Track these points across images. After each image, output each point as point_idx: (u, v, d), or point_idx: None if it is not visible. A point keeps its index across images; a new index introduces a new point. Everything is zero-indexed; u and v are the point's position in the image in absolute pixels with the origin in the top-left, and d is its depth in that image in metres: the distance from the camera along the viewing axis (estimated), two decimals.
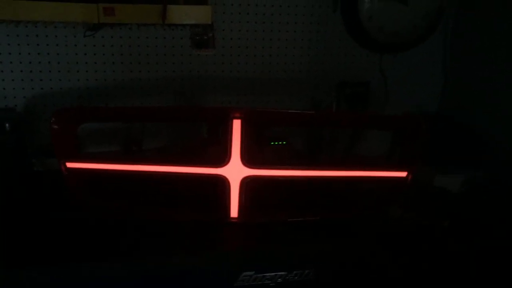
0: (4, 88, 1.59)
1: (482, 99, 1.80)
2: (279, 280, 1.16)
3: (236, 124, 1.22)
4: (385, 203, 1.38)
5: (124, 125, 1.70)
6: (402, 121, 1.39)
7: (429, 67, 1.97)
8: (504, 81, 1.70)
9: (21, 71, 1.59)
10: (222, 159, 1.22)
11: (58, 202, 1.33)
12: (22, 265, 1.05)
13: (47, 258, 1.08)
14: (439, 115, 1.98)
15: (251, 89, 1.82)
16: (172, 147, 1.78)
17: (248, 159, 1.22)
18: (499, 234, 1.32)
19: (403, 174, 1.32)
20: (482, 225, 1.35)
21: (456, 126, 1.85)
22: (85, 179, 1.31)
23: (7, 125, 1.48)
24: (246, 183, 1.23)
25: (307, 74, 1.86)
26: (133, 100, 1.72)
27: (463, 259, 1.26)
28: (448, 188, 1.56)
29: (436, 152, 1.60)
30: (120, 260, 1.10)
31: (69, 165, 1.27)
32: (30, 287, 1.05)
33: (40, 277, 1.05)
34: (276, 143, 1.57)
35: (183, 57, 1.72)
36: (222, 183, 1.23)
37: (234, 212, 1.26)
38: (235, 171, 1.23)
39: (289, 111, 1.51)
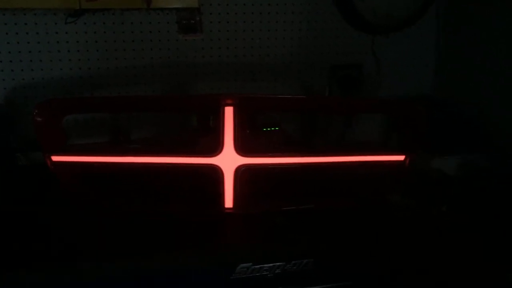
0: None
1: (476, 80, 1.78)
2: (277, 271, 1.13)
3: (228, 112, 1.18)
4: (384, 189, 1.35)
5: (111, 116, 1.65)
6: (400, 106, 1.36)
7: (422, 49, 1.94)
8: (497, 62, 1.67)
9: (1, 61, 1.53)
10: (215, 148, 1.18)
11: (45, 197, 1.29)
12: (7, 265, 1.00)
13: (33, 257, 1.04)
14: (433, 97, 1.96)
15: (241, 75, 1.77)
16: (161, 138, 1.74)
17: (241, 147, 1.19)
18: (497, 216, 1.31)
19: (401, 158, 1.29)
20: (480, 208, 1.34)
21: (450, 108, 1.83)
22: (73, 173, 1.27)
23: None
24: (241, 172, 1.20)
25: (299, 57, 1.81)
26: (120, 89, 1.66)
27: (462, 244, 1.24)
28: (444, 171, 1.54)
29: (431, 135, 1.58)
30: (114, 256, 1.06)
31: (55, 158, 1.22)
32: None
33: (26, 277, 1.01)
34: (269, 129, 1.53)
35: (170, 42, 1.66)
36: (215, 173, 1.20)
37: (229, 202, 1.22)
38: (228, 160, 1.19)
39: (282, 96, 1.48)
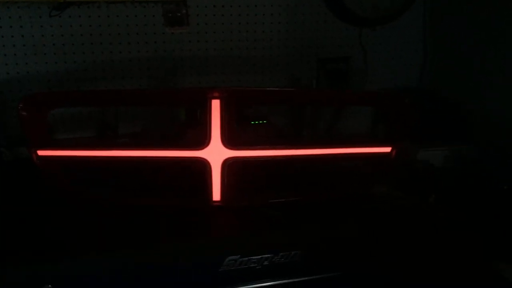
0: None
1: (462, 72, 1.79)
2: (265, 263, 1.14)
3: (215, 105, 1.17)
4: (371, 181, 1.36)
5: (98, 110, 1.64)
6: (385, 98, 1.36)
7: (408, 41, 1.95)
8: (484, 53, 1.69)
9: None
10: (202, 141, 1.18)
11: (31, 193, 1.28)
12: None
13: (22, 253, 1.03)
14: (420, 89, 1.97)
15: (228, 68, 1.77)
16: (149, 132, 1.73)
17: (229, 140, 1.18)
18: (484, 206, 1.32)
19: (387, 149, 1.29)
20: (467, 199, 1.35)
21: (437, 100, 1.84)
22: (59, 167, 1.26)
23: None
24: (228, 165, 1.19)
25: (286, 50, 1.81)
26: (106, 83, 1.65)
27: (451, 234, 1.26)
28: (431, 162, 1.55)
29: (418, 127, 1.59)
30: (100, 250, 1.05)
31: (41, 153, 1.21)
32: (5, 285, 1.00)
33: (13, 274, 1.00)
34: (256, 122, 1.53)
35: (156, 35, 1.65)
36: (203, 166, 1.19)
37: (216, 195, 1.22)
38: (216, 153, 1.19)
39: (269, 89, 1.47)
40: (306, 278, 1.19)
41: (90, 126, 1.65)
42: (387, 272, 1.21)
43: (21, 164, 1.43)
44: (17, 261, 1.01)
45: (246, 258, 1.12)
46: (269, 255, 1.13)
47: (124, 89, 1.62)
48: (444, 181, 1.46)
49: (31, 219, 1.18)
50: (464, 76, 1.78)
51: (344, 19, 1.79)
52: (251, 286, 1.14)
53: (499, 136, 1.58)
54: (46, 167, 1.23)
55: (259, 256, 1.13)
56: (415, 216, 1.27)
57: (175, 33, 1.66)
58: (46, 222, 1.18)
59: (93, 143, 1.39)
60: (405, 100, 1.26)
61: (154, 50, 1.67)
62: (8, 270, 0.99)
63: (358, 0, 1.72)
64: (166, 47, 1.68)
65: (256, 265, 1.13)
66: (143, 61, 1.67)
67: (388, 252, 1.21)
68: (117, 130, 1.62)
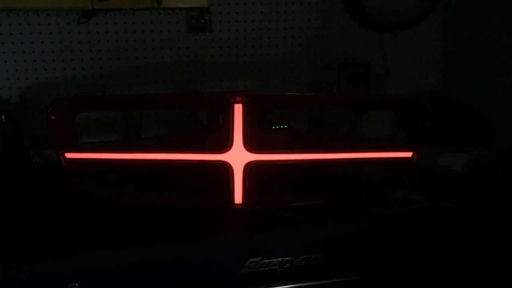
0: None
1: (485, 78, 1.78)
2: (286, 265, 1.15)
3: (238, 109, 1.20)
4: (391, 185, 1.36)
5: (122, 114, 1.68)
6: (405, 102, 1.37)
7: (430, 47, 1.94)
8: (507, 58, 1.67)
9: (15, 61, 1.56)
10: (225, 144, 1.20)
11: (58, 194, 1.31)
12: (20, 259, 1.03)
13: (47, 251, 1.06)
14: (442, 94, 1.96)
15: (250, 73, 1.79)
16: (171, 135, 1.76)
17: (251, 144, 1.20)
18: (505, 213, 1.31)
19: (408, 154, 1.30)
20: (488, 205, 1.34)
21: (459, 106, 1.83)
22: (86, 170, 1.29)
23: (2, 117, 1.46)
24: (250, 168, 1.21)
25: (307, 56, 1.82)
26: (131, 88, 1.69)
27: (470, 240, 1.25)
28: (452, 168, 1.54)
29: (440, 132, 1.59)
30: (126, 248, 1.08)
31: (68, 155, 1.25)
32: (29, 280, 1.03)
33: (41, 270, 1.03)
34: (277, 127, 1.54)
35: (180, 42, 1.68)
36: (225, 169, 1.21)
37: (238, 198, 1.24)
38: (238, 157, 1.21)
39: (291, 93, 1.49)
40: (327, 281, 1.20)
41: (115, 130, 1.68)
42: (407, 275, 1.21)
43: (49, 166, 1.47)
44: (43, 259, 1.04)
45: (267, 261, 1.13)
46: (290, 258, 1.15)
47: (148, 93, 1.66)
48: (465, 186, 1.45)
49: (57, 218, 1.22)
50: (486, 81, 1.77)
51: (365, 25, 1.80)
52: None
53: None
54: (74, 169, 1.26)
55: (280, 259, 1.14)
56: (436, 220, 1.27)
57: (198, 39, 1.69)
58: (72, 220, 1.21)
59: (119, 146, 1.42)
60: (425, 105, 1.27)
61: (178, 56, 1.70)
62: (34, 268, 1.03)
63: (379, 7, 1.73)
64: (189, 53, 1.70)
65: (277, 267, 1.15)
66: (166, 66, 1.70)
67: (408, 256, 1.21)
68: (140, 134, 1.65)
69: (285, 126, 1.56)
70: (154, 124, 1.72)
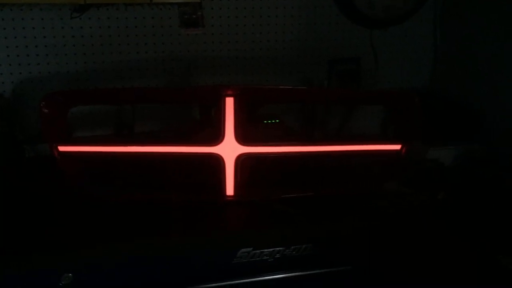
0: None
1: (474, 72, 1.80)
2: (277, 255, 1.17)
3: (229, 102, 1.21)
4: (380, 177, 1.38)
5: (115, 109, 1.69)
6: (395, 96, 1.39)
7: (419, 42, 1.97)
8: (494, 53, 1.70)
9: (8, 55, 1.56)
10: (216, 137, 1.22)
11: (51, 188, 1.32)
12: (14, 251, 1.04)
13: (42, 245, 1.07)
14: (432, 89, 1.98)
15: (241, 68, 1.81)
16: (164, 130, 1.77)
17: (242, 137, 1.22)
18: (493, 205, 1.34)
19: (397, 147, 1.32)
20: (476, 197, 1.37)
21: (448, 100, 1.85)
22: (78, 163, 1.30)
23: None
24: (241, 160, 1.23)
25: (298, 51, 1.84)
26: (123, 83, 1.70)
27: (459, 231, 1.27)
28: (441, 161, 1.57)
29: (430, 126, 1.61)
30: (117, 242, 1.10)
31: (61, 148, 1.25)
32: (24, 274, 1.04)
33: (35, 262, 1.05)
34: (269, 121, 1.56)
35: (172, 37, 1.69)
36: (217, 162, 1.23)
37: (230, 190, 1.25)
38: (229, 149, 1.22)
39: (282, 87, 1.50)
40: (317, 271, 1.21)
41: (108, 124, 1.69)
42: (396, 266, 1.23)
43: (42, 161, 1.48)
44: (37, 251, 1.05)
45: (259, 251, 1.15)
46: (281, 248, 1.16)
47: (140, 88, 1.67)
48: (453, 179, 1.48)
49: (51, 212, 1.23)
50: (475, 76, 1.79)
51: (355, 21, 1.82)
52: (263, 278, 1.18)
53: (509, 136, 1.59)
54: (66, 162, 1.27)
55: (271, 249, 1.16)
56: (424, 212, 1.29)
57: (191, 35, 1.70)
58: (65, 214, 1.22)
59: (111, 139, 1.43)
60: (414, 99, 1.29)
61: (170, 51, 1.71)
62: (28, 260, 1.04)
63: (369, 2, 1.74)
64: (181, 48, 1.72)
65: (268, 257, 1.16)
66: (159, 61, 1.71)
67: (397, 247, 1.23)
68: (133, 128, 1.66)
69: (277, 121, 1.58)
70: (147, 119, 1.73)
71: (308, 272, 1.20)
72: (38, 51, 1.58)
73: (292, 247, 1.17)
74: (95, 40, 1.62)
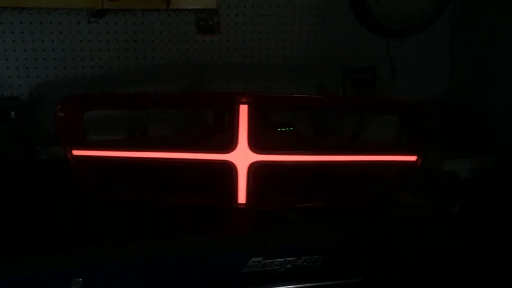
0: (9, 77, 1.59)
1: (491, 83, 1.78)
2: (288, 265, 1.16)
3: (243, 109, 1.21)
4: (395, 188, 1.36)
5: (129, 113, 1.70)
6: (410, 105, 1.37)
7: (436, 52, 1.94)
8: None
9: (26, 59, 1.58)
10: (229, 144, 1.21)
11: (65, 190, 1.33)
12: (26, 254, 1.05)
13: (52, 246, 1.07)
14: (448, 100, 1.96)
15: (256, 75, 1.80)
16: (178, 135, 1.77)
17: (255, 145, 1.21)
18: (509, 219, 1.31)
19: (413, 158, 1.30)
20: (492, 210, 1.34)
21: (465, 112, 1.83)
22: (92, 167, 1.31)
23: (12, 113, 1.47)
24: (254, 168, 1.22)
25: (313, 59, 1.84)
26: (138, 87, 1.71)
27: (474, 244, 1.25)
28: (457, 173, 1.54)
29: (445, 137, 1.59)
30: (130, 245, 1.10)
31: (76, 152, 1.26)
32: (35, 275, 1.05)
33: (46, 265, 1.05)
34: (283, 129, 1.55)
35: (188, 43, 1.70)
36: (229, 169, 1.22)
37: (242, 198, 1.25)
38: (242, 157, 1.22)
39: (296, 95, 1.49)
40: (328, 283, 1.20)
41: (122, 129, 1.70)
42: (409, 278, 1.21)
43: (56, 163, 1.49)
44: (48, 255, 1.06)
45: (269, 261, 1.14)
46: (292, 258, 1.16)
47: (154, 93, 1.69)
48: (469, 191, 1.45)
49: (63, 215, 1.24)
50: (492, 86, 1.77)
51: (372, 30, 1.81)
52: None
53: None
54: (80, 165, 1.28)
55: (282, 259, 1.15)
56: (438, 225, 1.27)
57: (206, 41, 1.71)
58: (78, 217, 1.23)
59: (125, 144, 1.43)
60: (429, 109, 1.27)
61: (186, 57, 1.71)
62: (39, 263, 1.05)
63: (386, 12, 1.73)
64: (197, 54, 1.72)
65: (279, 267, 1.16)
66: (174, 67, 1.72)
67: (410, 259, 1.22)
68: (147, 133, 1.66)
69: (291, 129, 1.57)
70: (161, 123, 1.74)
71: (320, 284, 1.19)
72: (55, 55, 1.60)
73: (304, 257, 1.16)
74: (112, 45, 1.64)
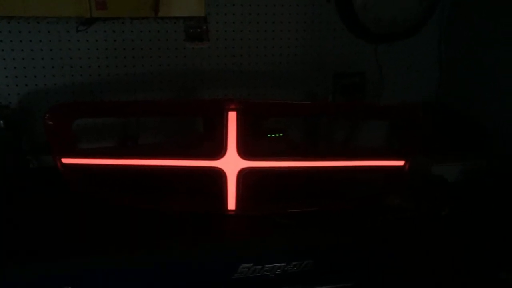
0: None
1: (479, 86, 1.80)
2: (278, 271, 1.16)
3: (232, 116, 1.21)
4: (383, 192, 1.37)
5: (119, 121, 1.70)
6: (399, 110, 1.39)
7: (424, 56, 1.96)
8: (500, 67, 1.69)
9: (15, 67, 1.58)
10: (219, 151, 1.22)
11: (55, 199, 1.33)
12: (17, 262, 1.04)
13: (44, 255, 1.07)
14: (436, 104, 1.98)
15: (246, 82, 1.81)
16: (168, 142, 1.77)
17: (244, 151, 1.22)
18: (497, 221, 1.32)
19: (401, 163, 1.32)
20: (480, 213, 1.35)
21: (454, 114, 1.85)
22: (82, 175, 1.31)
23: (1, 122, 1.47)
24: (243, 175, 1.23)
25: (303, 66, 1.85)
26: (128, 95, 1.71)
27: (462, 247, 1.26)
28: (446, 176, 1.55)
29: (435, 140, 1.60)
30: (119, 252, 1.10)
31: (65, 161, 1.27)
32: (25, 282, 1.04)
33: (36, 272, 1.05)
34: (273, 135, 1.56)
35: (177, 50, 1.71)
36: (219, 176, 1.23)
37: (231, 204, 1.25)
38: (231, 163, 1.22)
39: (285, 101, 1.50)
40: None
41: (112, 137, 1.70)
42: (398, 282, 1.22)
43: (46, 171, 1.48)
44: (37, 262, 1.05)
45: (259, 267, 1.14)
46: (282, 264, 1.16)
47: (144, 100, 1.68)
48: (458, 194, 1.46)
49: (53, 223, 1.23)
50: (480, 90, 1.79)
51: (360, 36, 1.82)
52: None
53: None
54: (70, 174, 1.28)
55: (272, 265, 1.15)
56: (427, 228, 1.28)
57: (195, 48, 1.71)
58: (67, 224, 1.22)
59: (115, 152, 1.44)
60: (418, 113, 1.28)
61: (175, 64, 1.72)
62: (29, 271, 1.04)
63: (374, 19, 1.75)
64: (186, 61, 1.73)
65: (268, 273, 1.16)
66: (164, 74, 1.72)
67: (399, 263, 1.22)
68: (137, 141, 1.66)
69: (281, 135, 1.57)
70: (151, 132, 1.74)
71: None
72: (44, 63, 1.60)
73: (293, 263, 1.16)
74: (101, 53, 1.64)
